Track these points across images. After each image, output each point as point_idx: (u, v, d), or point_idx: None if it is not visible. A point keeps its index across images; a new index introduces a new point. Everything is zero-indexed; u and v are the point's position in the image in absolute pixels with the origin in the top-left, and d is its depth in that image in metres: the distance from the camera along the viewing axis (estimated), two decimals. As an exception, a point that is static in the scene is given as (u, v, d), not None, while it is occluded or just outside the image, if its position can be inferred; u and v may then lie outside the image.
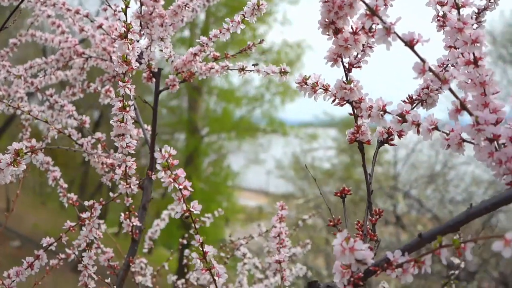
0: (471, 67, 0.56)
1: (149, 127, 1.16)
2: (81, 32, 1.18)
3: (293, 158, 10.36)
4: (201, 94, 11.41)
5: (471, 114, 0.53)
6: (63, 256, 1.15)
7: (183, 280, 1.55)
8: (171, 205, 1.54)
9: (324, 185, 9.15)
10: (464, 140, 0.57)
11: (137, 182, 0.95)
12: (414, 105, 0.71)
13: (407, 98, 0.72)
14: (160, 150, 0.63)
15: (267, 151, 11.98)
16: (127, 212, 0.99)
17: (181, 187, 0.64)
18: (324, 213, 7.35)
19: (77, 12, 1.13)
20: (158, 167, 0.64)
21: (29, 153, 0.70)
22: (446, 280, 1.17)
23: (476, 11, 0.74)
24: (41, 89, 1.28)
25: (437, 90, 0.70)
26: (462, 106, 0.54)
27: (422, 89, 0.71)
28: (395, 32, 0.52)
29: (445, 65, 0.72)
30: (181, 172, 0.65)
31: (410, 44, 0.52)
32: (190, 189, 0.65)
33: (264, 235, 1.53)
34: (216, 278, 0.67)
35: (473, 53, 0.56)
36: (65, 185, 1.13)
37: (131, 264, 1.02)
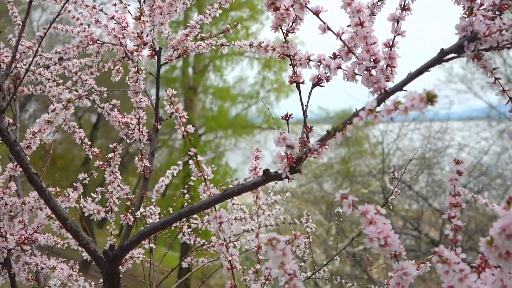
0: (359, 27, 0.90)
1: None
2: (96, 23, 1.51)
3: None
4: (196, 93, 11.73)
5: (355, 55, 0.87)
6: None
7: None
8: (173, 166, 1.87)
9: (321, 178, 9.50)
10: (356, 74, 0.90)
11: (148, 131, 1.28)
12: (337, 58, 1.04)
13: (332, 54, 1.05)
14: (166, 91, 0.97)
15: (264, 147, 12.30)
16: (140, 156, 1.32)
17: (180, 115, 0.98)
18: (323, 207, 7.70)
19: (93, 7, 1.46)
20: (164, 103, 0.97)
21: (77, 99, 1.03)
22: (384, 202, 1.50)
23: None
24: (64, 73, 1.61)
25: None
26: (349, 50, 0.87)
27: (342, 47, 1.04)
28: (306, 6, 0.85)
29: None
30: (180, 106, 0.98)
31: (316, 13, 0.86)
32: (186, 116, 0.98)
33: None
34: (205, 176, 1.00)
35: (359, 18, 0.89)
36: (89, 142, 1.46)
37: (143, 195, 1.35)
